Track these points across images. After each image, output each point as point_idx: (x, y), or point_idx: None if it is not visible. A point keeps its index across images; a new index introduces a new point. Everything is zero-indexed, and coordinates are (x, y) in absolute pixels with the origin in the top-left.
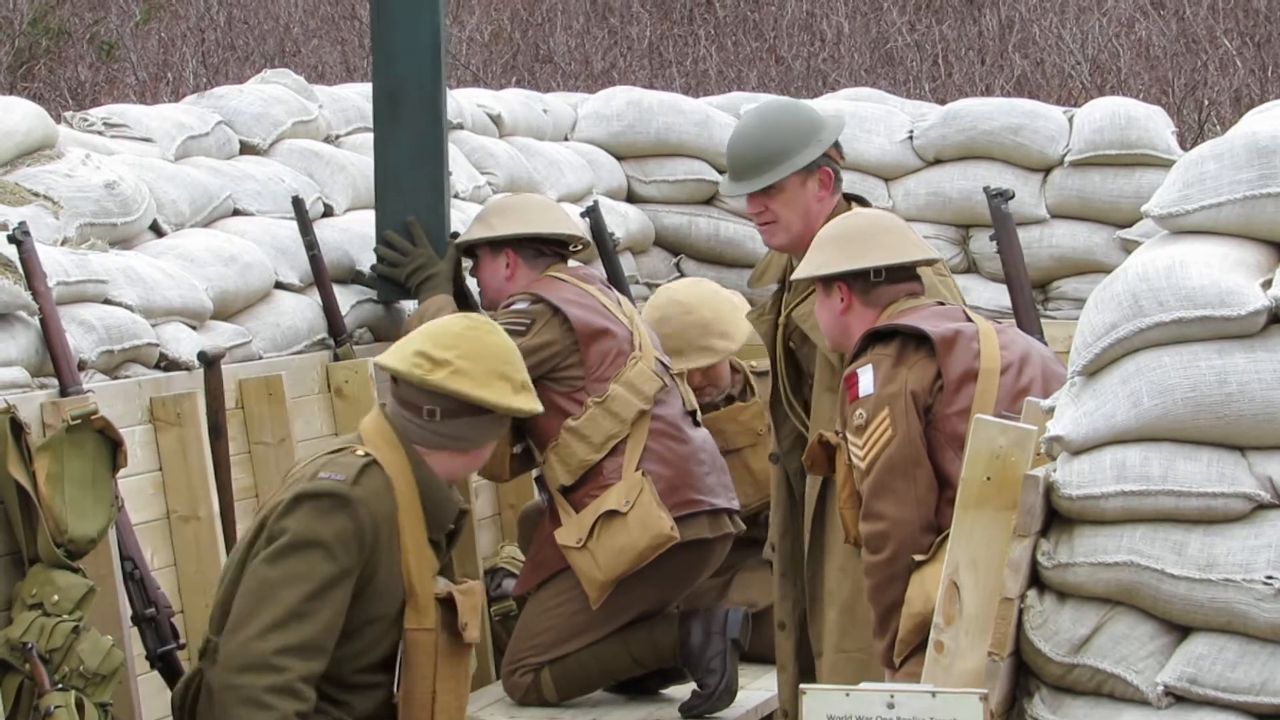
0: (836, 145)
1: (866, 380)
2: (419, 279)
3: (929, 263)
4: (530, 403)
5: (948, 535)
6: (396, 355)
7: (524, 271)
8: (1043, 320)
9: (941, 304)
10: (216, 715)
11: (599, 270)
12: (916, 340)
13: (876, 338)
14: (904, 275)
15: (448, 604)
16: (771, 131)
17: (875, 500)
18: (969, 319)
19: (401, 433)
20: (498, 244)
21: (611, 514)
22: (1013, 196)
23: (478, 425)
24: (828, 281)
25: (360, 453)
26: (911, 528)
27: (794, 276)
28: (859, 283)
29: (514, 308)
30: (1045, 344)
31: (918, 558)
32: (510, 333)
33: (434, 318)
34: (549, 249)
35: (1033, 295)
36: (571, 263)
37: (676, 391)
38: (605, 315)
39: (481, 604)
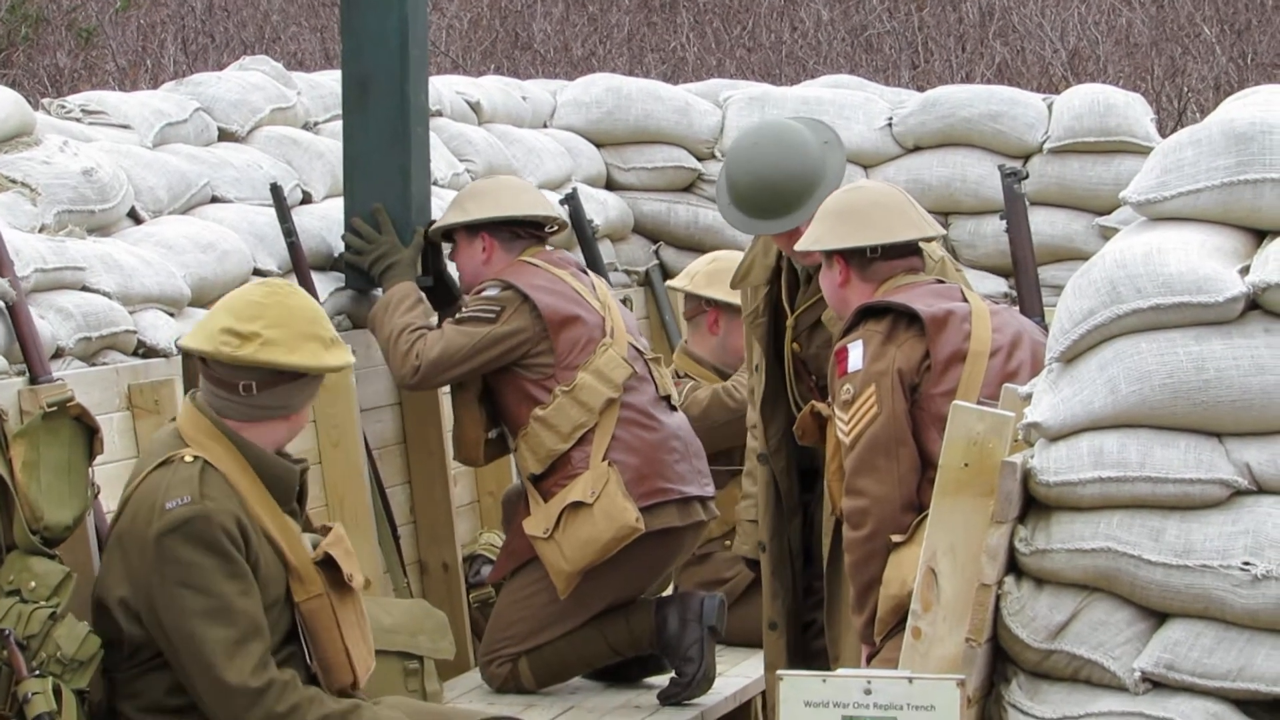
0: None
1: (856, 355)
2: (381, 267)
3: (927, 239)
4: (343, 356)
5: (923, 515)
6: (201, 336)
7: (500, 255)
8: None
9: (941, 282)
10: None
11: (578, 256)
12: (908, 318)
13: (869, 313)
14: (903, 251)
15: (328, 564)
16: (799, 164)
17: (857, 476)
18: (965, 299)
19: (218, 413)
20: (473, 228)
21: (577, 505)
22: (1026, 176)
23: (295, 390)
24: (827, 254)
25: (188, 459)
26: (892, 505)
27: (797, 246)
28: (856, 258)
29: (484, 294)
30: (1046, 328)
31: (896, 539)
32: (480, 320)
33: (398, 306)
34: (525, 231)
35: (1038, 277)
36: (549, 246)
37: (650, 377)
38: (576, 301)
39: (350, 548)
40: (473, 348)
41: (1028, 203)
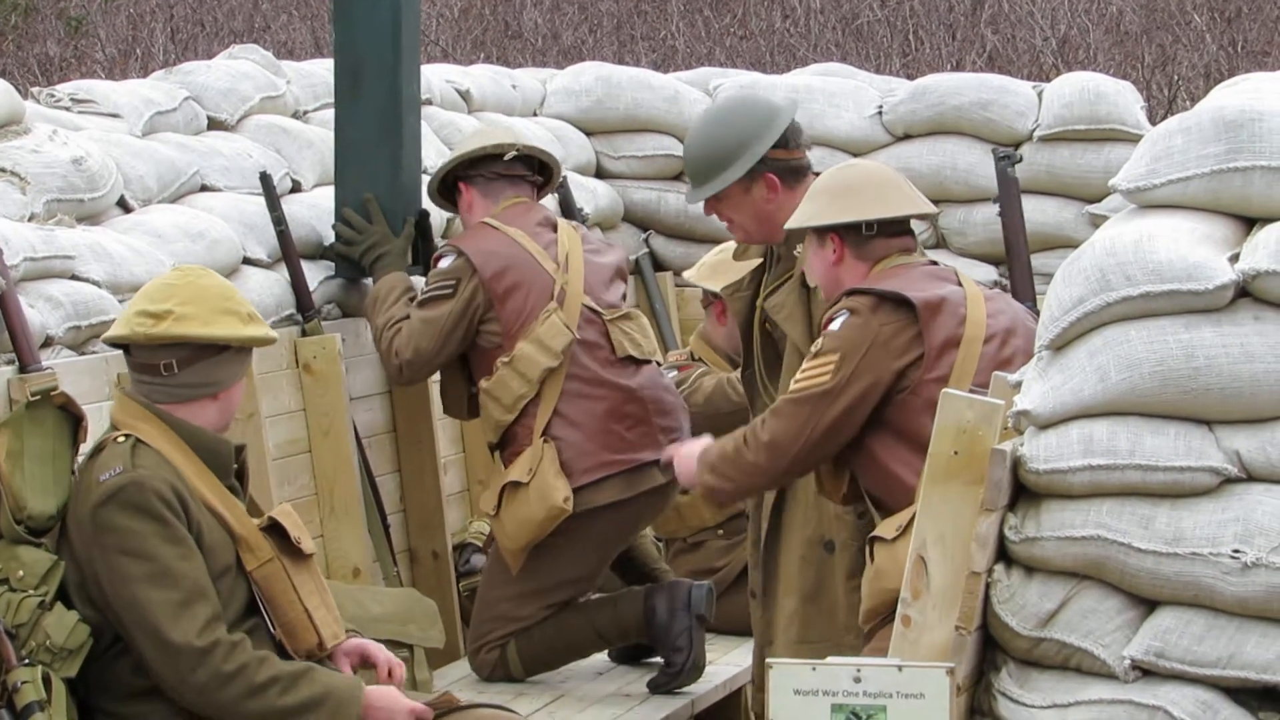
0: (786, 142)
1: (837, 323)
2: (372, 257)
3: (923, 216)
4: (263, 330)
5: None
6: (119, 324)
7: (480, 202)
8: (1008, 294)
9: (935, 263)
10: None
11: (551, 206)
12: (895, 302)
13: (858, 292)
14: (897, 229)
15: (274, 530)
16: (710, 141)
17: (774, 414)
18: (959, 283)
19: (148, 398)
20: (449, 179)
21: (515, 485)
22: (1020, 159)
23: (218, 365)
24: (821, 232)
25: (119, 438)
26: (785, 459)
27: (787, 225)
28: (851, 235)
29: (440, 266)
30: (1038, 312)
31: (886, 533)
32: (439, 299)
33: (386, 298)
34: (492, 173)
35: (1030, 262)
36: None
37: (604, 340)
38: (525, 266)
39: (298, 520)
40: (441, 333)
41: (1020, 186)
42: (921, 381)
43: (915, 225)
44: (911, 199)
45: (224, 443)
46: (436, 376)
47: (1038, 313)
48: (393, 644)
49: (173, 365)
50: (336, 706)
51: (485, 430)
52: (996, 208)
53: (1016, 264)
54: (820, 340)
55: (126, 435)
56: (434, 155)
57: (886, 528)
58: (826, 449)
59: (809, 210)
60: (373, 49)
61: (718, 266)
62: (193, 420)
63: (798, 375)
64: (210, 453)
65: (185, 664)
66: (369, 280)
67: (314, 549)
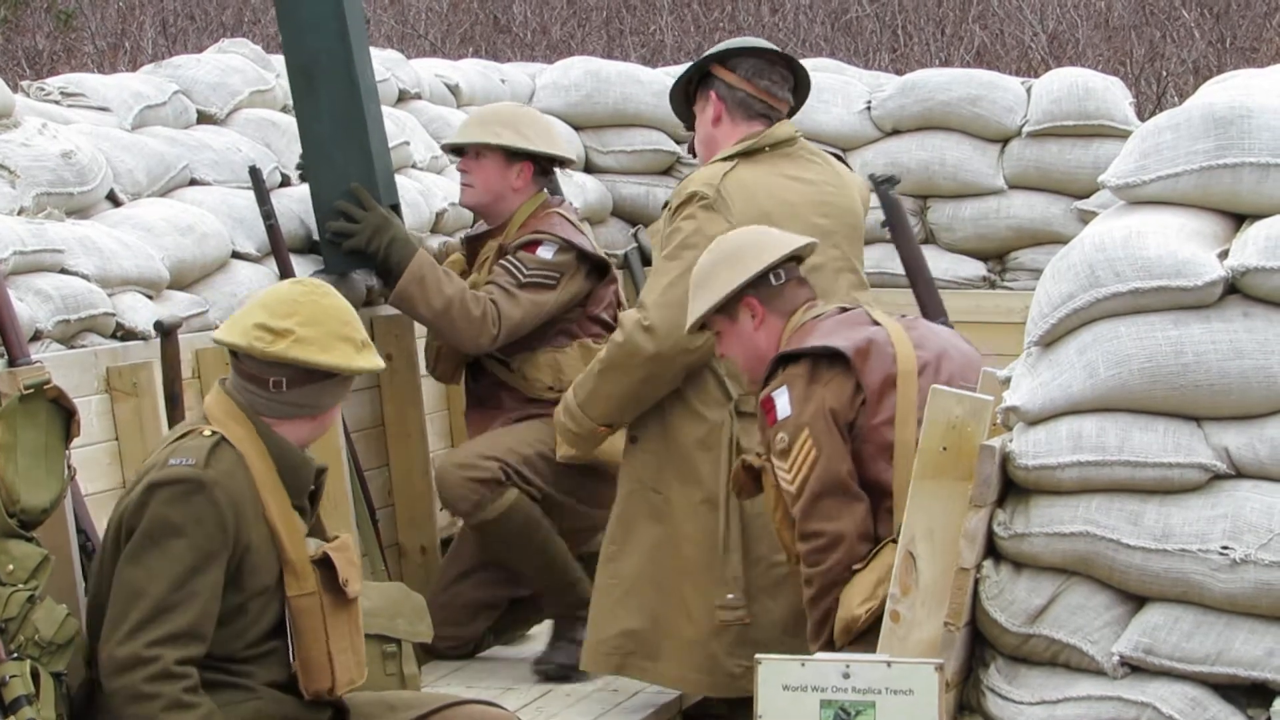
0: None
1: (783, 402)
2: (383, 241)
3: (810, 249)
4: (373, 360)
5: (888, 543)
6: (236, 330)
7: (529, 187)
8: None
9: (845, 309)
10: None
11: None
12: (828, 358)
13: (786, 359)
14: (797, 273)
15: (324, 564)
16: None
17: (809, 521)
18: (876, 321)
19: (247, 406)
20: (517, 154)
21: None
22: (899, 181)
23: (325, 390)
24: (733, 306)
25: (207, 432)
26: (851, 538)
27: (690, 324)
28: (763, 290)
29: (540, 255)
30: (951, 326)
31: (856, 567)
32: (543, 288)
33: (435, 275)
34: (549, 168)
35: (932, 278)
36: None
37: None
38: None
39: (358, 557)
40: (540, 315)
41: (904, 208)
42: (869, 428)
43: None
44: (792, 237)
45: (308, 464)
46: (425, 372)
47: (950, 329)
48: (381, 638)
49: (281, 383)
50: None
51: (490, 373)
52: (982, 201)
53: (920, 283)
54: (779, 435)
55: (215, 432)
56: (423, 149)
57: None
58: (864, 504)
59: (710, 294)
60: (322, 43)
61: None
62: (288, 435)
63: (786, 477)
64: (292, 470)
65: (116, 665)
66: (359, 273)
67: (358, 590)
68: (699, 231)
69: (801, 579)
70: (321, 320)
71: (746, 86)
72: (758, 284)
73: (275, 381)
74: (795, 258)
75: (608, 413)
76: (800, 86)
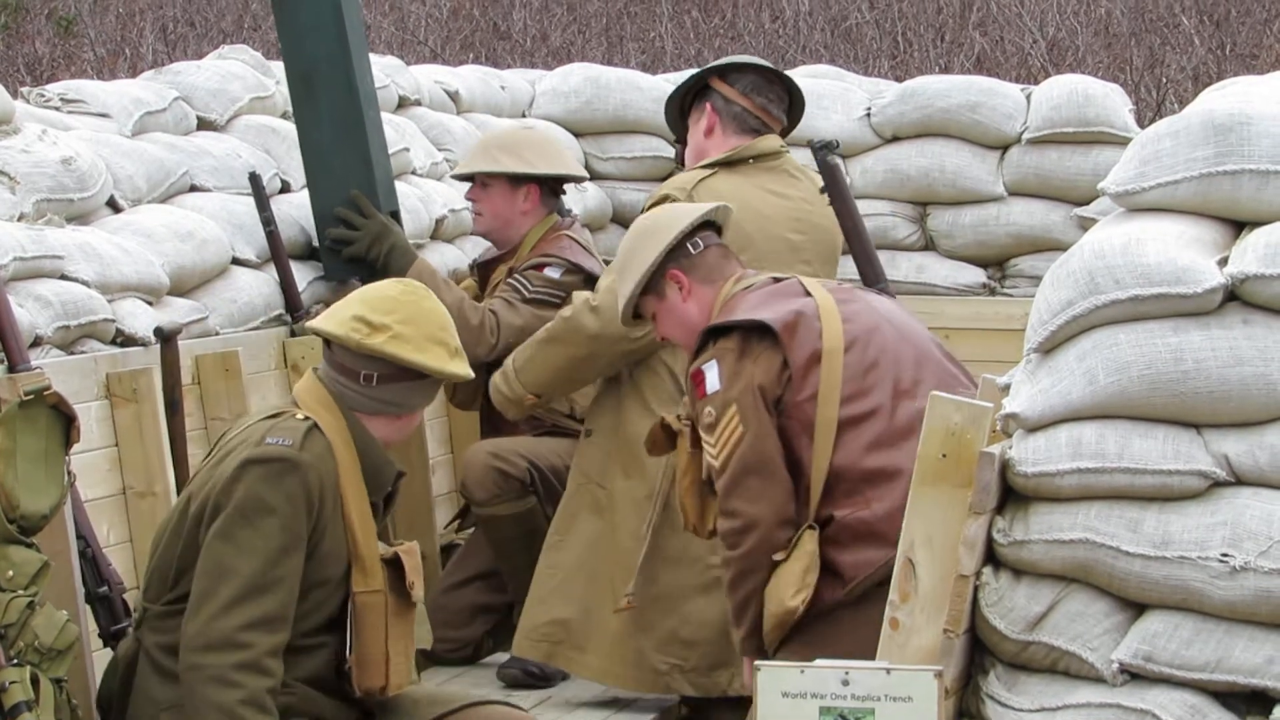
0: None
1: (713, 376)
2: (383, 248)
3: (724, 214)
4: (464, 367)
5: (805, 530)
6: (334, 320)
7: (538, 210)
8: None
9: (777, 279)
10: (184, 696)
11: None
12: (759, 331)
13: (717, 332)
14: (716, 240)
15: (394, 564)
16: None
17: (730, 498)
18: (808, 292)
19: (338, 396)
20: (521, 178)
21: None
22: (837, 146)
23: (414, 390)
24: (657, 281)
25: (300, 416)
26: (768, 524)
27: (622, 310)
28: (684, 261)
29: (548, 275)
30: (891, 294)
31: (777, 556)
32: (547, 305)
33: (434, 285)
34: (557, 189)
35: (871, 243)
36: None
37: None
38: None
39: (420, 564)
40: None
41: (844, 173)
42: (793, 404)
43: (901, 227)
44: (700, 209)
45: (390, 464)
46: None
47: (888, 292)
48: None
49: (373, 378)
50: None
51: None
52: (982, 208)
53: (858, 249)
54: (706, 409)
55: (308, 416)
56: (423, 156)
57: (779, 552)
58: (789, 489)
59: (633, 274)
60: (321, 50)
61: None
62: (372, 430)
63: (712, 452)
64: (374, 467)
65: (206, 641)
66: (357, 280)
67: (420, 597)
68: None
69: (721, 562)
70: (419, 321)
71: (743, 101)
72: (677, 255)
73: (367, 375)
74: (712, 226)
75: (539, 382)
76: (795, 107)
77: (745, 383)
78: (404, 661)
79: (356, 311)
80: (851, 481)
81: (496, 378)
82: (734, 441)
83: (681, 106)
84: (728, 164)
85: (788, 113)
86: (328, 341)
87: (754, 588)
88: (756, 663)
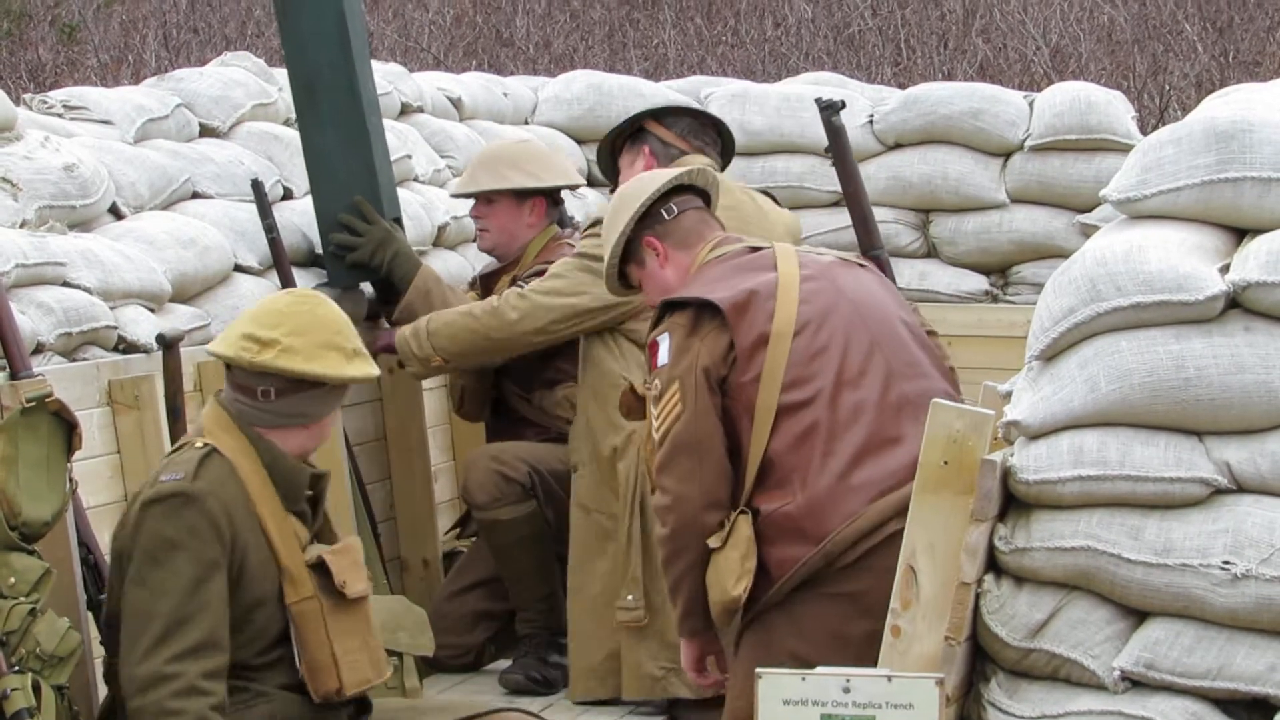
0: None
1: (664, 350)
2: (386, 255)
3: (704, 177)
4: (366, 368)
5: (739, 516)
6: (224, 341)
7: (542, 221)
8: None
9: (754, 249)
10: None
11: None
12: (710, 309)
13: (673, 305)
14: (693, 203)
15: (320, 569)
16: None
17: (661, 474)
18: (776, 267)
19: (239, 417)
20: (526, 193)
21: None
22: (843, 106)
23: (315, 399)
24: (634, 247)
25: (198, 445)
26: (693, 504)
27: (607, 280)
28: (658, 226)
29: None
30: (884, 260)
31: (712, 543)
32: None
33: (439, 292)
34: (557, 198)
35: (869, 208)
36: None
37: None
38: None
39: (362, 557)
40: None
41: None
42: (736, 384)
43: (904, 234)
44: (667, 171)
45: (301, 472)
46: (428, 385)
47: (879, 260)
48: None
49: (270, 393)
50: None
51: (512, 409)
52: (985, 215)
53: (856, 213)
54: (654, 381)
55: (205, 444)
56: (425, 163)
57: (715, 537)
58: (721, 470)
59: (610, 243)
60: (324, 57)
61: None
62: (280, 444)
63: (654, 423)
64: (284, 477)
65: (139, 685)
66: (365, 286)
67: (363, 591)
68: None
69: (655, 539)
70: (309, 330)
71: (680, 144)
72: (650, 221)
73: (264, 391)
74: (692, 190)
75: (448, 350)
76: (727, 150)
77: (690, 360)
78: (358, 659)
79: (245, 330)
80: (783, 471)
81: (407, 330)
82: (671, 418)
83: (614, 148)
84: None
85: (721, 154)
86: (227, 365)
87: (684, 568)
88: (757, 669)
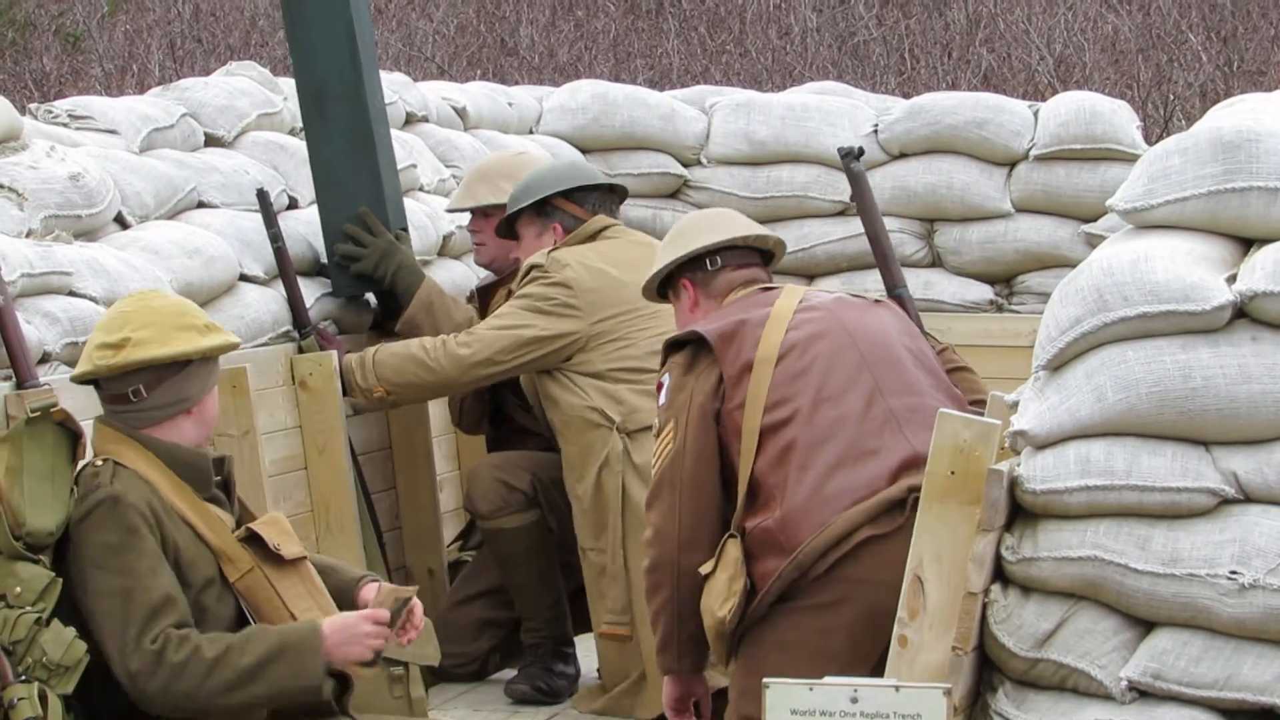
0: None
1: (665, 389)
2: (390, 267)
3: (758, 239)
4: (221, 337)
5: (728, 539)
6: (82, 361)
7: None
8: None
9: (769, 288)
10: (193, 715)
11: None
12: (704, 344)
13: (673, 346)
14: (742, 261)
15: (252, 540)
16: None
17: (648, 509)
18: (774, 304)
19: (123, 425)
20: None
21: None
22: (863, 154)
23: (186, 380)
24: (672, 280)
25: (99, 462)
26: (671, 541)
27: (644, 288)
28: (699, 274)
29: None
30: (907, 298)
31: (705, 569)
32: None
33: (441, 306)
34: None
35: (891, 249)
36: None
37: None
38: None
39: (285, 526)
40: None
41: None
42: (726, 413)
43: (909, 243)
44: (749, 226)
45: (201, 456)
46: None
47: (901, 300)
48: (387, 661)
49: (140, 390)
50: (299, 650)
51: (512, 419)
52: (990, 224)
53: (879, 252)
54: (656, 419)
55: (105, 460)
56: (430, 172)
57: (706, 564)
58: (703, 506)
59: (656, 266)
60: (333, 67)
61: None
62: (171, 438)
63: (654, 458)
64: (187, 468)
65: (143, 675)
66: (369, 296)
67: (299, 552)
68: (542, 295)
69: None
70: (153, 321)
71: (588, 218)
72: (691, 267)
73: (134, 391)
74: (746, 247)
75: (392, 380)
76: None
77: (685, 398)
78: (320, 615)
79: (95, 342)
80: (767, 489)
81: (353, 358)
82: (664, 455)
83: (514, 215)
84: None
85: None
86: (96, 384)
87: (660, 603)
88: (765, 679)
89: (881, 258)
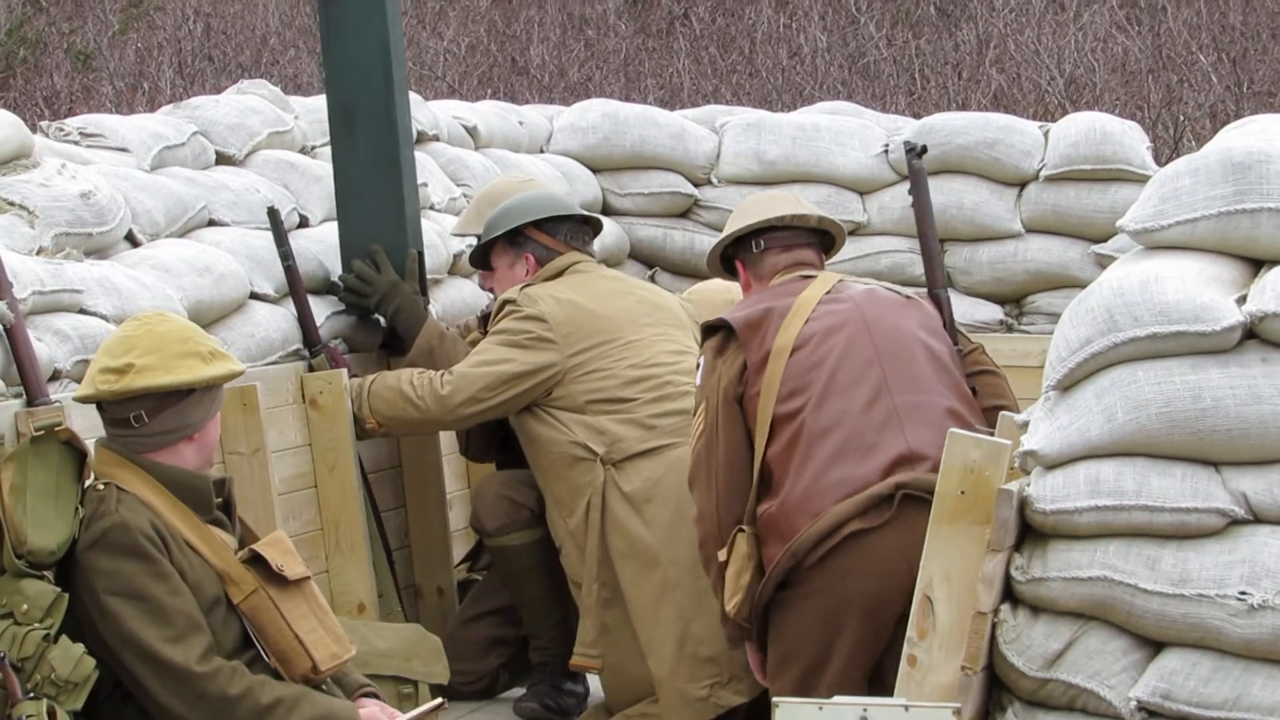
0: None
1: (700, 371)
2: (389, 309)
3: (802, 217)
4: (226, 366)
5: (737, 532)
6: (84, 384)
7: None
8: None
9: (808, 276)
10: None
11: None
12: (731, 329)
13: (708, 330)
14: (788, 242)
15: (256, 561)
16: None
17: (691, 489)
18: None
19: (124, 450)
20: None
21: None
22: (925, 150)
23: (189, 408)
24: (729, 261)
25: (100, 487)
26: (712, 519)
27: (708, 259)
28: (746, 255)
29: None
30: (944, 299)
31: (722, 556)
32: None
33: (442, 351)
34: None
35: (937, 248)
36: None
37: None
38: None
39: (288, 546)
40: None
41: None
42: (748, 398)
43: (917, 263)
44: (794, 206)
45: (202, 479)
46: None
47: (937, 299)
48: (397, 679)
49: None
50: None
51: (519, 448)
52: (1000, 244)
53: (927, 250)
54: (694, 400)
55: (107, 484)
56: (440, 191)
57: (722, 550)
58: (737, 485)
59: (726, 232)
60: (365, 86)
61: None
62: (171, 462)
63: (690, 437)
64: (189, 491)
65: (193, 688)
66: (377, 316)
67: (303, 572)
68: (518, 329)
69: None
70: (159, 346)
71: (561, 248)
72: (740, 246)
73: (136, 416)
74: (797, 228)
75: (383, 412)
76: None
77: (714, 382)
78: (323, 635)
79: (99, 365)
80: (776, 476)
81: (353, 385)
82: (699, 435)
83: (489, 244)
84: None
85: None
86: (99, 406)
87: (714, 579)
88: (774, 699)
89: (928, 257)
